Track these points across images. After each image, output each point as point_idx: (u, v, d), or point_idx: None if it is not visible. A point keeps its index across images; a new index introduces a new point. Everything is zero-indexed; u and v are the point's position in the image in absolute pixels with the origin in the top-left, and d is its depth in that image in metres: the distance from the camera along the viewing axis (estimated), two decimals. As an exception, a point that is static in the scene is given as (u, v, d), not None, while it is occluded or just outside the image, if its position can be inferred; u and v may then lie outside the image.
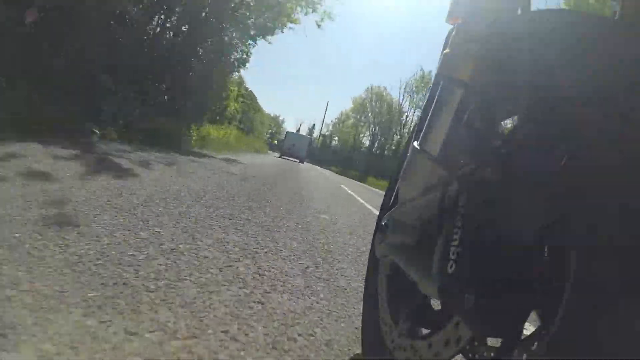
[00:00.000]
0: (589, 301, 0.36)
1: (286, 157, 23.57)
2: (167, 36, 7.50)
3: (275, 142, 49.60)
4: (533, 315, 0.46)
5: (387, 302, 0.71)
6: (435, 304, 0.66)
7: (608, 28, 0.45)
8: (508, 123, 0.60)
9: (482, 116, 0.60)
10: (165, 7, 7.00)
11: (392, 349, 0.65)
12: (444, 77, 0.57)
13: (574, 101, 0.42)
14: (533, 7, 0.48)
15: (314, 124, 57.31)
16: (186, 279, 1.08)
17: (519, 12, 0.52)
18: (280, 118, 67.40)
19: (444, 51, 0.58)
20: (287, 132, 27.54)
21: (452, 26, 0.60)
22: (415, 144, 0.63)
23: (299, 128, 56.68)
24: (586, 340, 0.35)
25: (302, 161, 23.34)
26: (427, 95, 0.68)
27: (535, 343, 0.45)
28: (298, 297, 1.17)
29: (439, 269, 0.50)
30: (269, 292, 1.15)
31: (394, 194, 0.70)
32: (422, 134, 0.62)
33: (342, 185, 9.69)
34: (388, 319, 0.70)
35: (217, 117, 15.49)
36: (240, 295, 1.07)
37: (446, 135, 0.58)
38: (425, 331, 0.65)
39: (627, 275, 0.33)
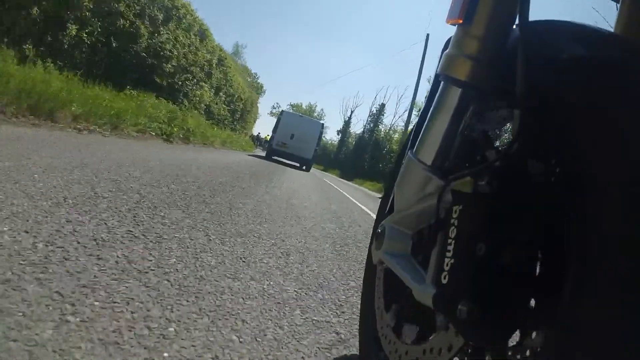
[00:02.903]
0: (581, 312, 0.36)
1: (278, 158, 12.68)
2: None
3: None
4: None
5: (385, 308, 0.72)
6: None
7: (606, 40, 0.46)
8: (503, 132, 0.61)
9: (478, 125, 0.60)
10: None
11: (388, 353, 0.66)
12: (444, 78, 0.58)
13: (570, 109, 0.43)
14: (533, 9, 0.48)
15: (382, 104, 30.27)
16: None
17: (518, 13, 0.51)
18: (315, 110, 45.92)
19: (444, 52, 0.57)
20: (283, 112, 14.03)
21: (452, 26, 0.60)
22: (411, 152, 0.63)
23: (350, 117, 33.66)
24: (581, 348, 0.36)
25: (306, 166, 12.57)
26: (427, 97, 0.68)
27: (528, 349, 0.46)
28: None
29: (433, 279, 0.51)
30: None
31: (389, 202, 0.71)
32: (417, 141, 0.63)
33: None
34: (386, 324, 0.70)
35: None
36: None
37: (441, 144, 0.58)
38: (421, 337, 0.66)
39: (621, 285, 0.34)
